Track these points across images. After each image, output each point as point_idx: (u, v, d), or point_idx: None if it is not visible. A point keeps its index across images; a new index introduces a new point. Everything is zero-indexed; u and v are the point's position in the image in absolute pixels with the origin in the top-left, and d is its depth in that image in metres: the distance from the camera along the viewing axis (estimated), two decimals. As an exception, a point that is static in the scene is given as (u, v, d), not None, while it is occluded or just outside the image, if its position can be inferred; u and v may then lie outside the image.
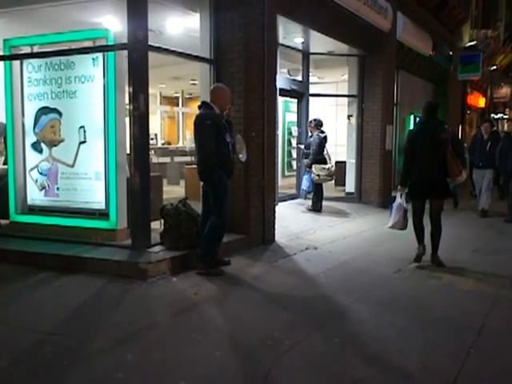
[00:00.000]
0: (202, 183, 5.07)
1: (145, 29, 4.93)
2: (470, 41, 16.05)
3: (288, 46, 8.95)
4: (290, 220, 7.87)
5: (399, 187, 5.57)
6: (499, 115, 21.86)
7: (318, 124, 8.60)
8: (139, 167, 5.08)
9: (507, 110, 24.66)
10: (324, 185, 8.76)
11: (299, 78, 9.89)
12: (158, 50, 5.40)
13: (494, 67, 18.38)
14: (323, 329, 3.68)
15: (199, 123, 4.86)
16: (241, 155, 5.04)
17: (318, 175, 8.38)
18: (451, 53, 14.25)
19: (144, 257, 4.95)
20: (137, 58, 4.92)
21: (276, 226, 6.60)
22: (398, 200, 5.54)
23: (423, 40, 11.77)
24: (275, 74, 6.51)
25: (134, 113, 4.96)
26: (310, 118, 9.24)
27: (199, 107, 5.03)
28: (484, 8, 20.64)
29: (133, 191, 5.16)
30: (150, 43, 5.08)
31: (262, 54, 6.04)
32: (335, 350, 3.33)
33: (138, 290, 4.48)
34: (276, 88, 6.58)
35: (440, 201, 5.44)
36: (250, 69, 5.91)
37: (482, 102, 19.11)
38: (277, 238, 6.52)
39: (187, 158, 11.18)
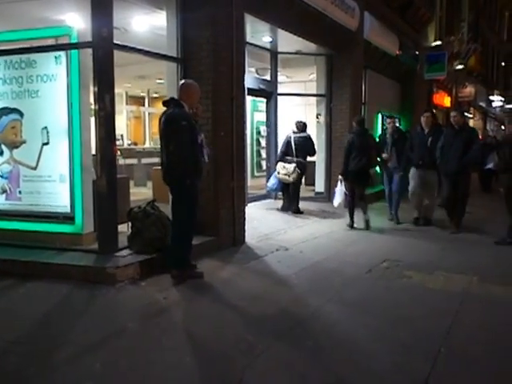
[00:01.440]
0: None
1: (110, 26, 4.85)
2: (436, 41, 16.40)
3: (256, 45, 8.97)
4: (261, 221, 7.89)
5: (340, 176, 7.75)
6: (464, 114, 22.43)
7: (296, 126, 8.88)
8: (105, 169, 5.00)
9: (472, 109, 25.35)
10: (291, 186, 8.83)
11: (267, 77, 9.92)
12: (124, 48, 5.32)
13: (461, 66, 18.82)
14: (296, 331, 3.70)
15: (173, 123, 4.56)
16: (206, 156, 4.98)
17: (278, 172, 8.72)
18: (417, 52, 14.53)
19: (112, 261, 4.87)
20: (102, 57, 4.84)
21: (246, 227, 6.61)
22: (339, 186, 7.74)
23: (390, 39, 11.97)
24: (244, 73, 6.51)
25: (100, 113, 4.88)
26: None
27: (165, 104, 4.77)
28: (448, 9, 21.15)
29: (99, 194, 5.06)
30: (115, 41, 4.99)
31: (230, 52, 6.04)
32: (308, 353, 3.35)
33: (106, 295, 4.40)
34: (244, 87, 6.58)
35: (364, 185, 7.70)
36: (218, 68, 5.90)
37: (447, 102, 19.56)
38: (247, 239, 6.52)
39: (155, 159, 11.04)
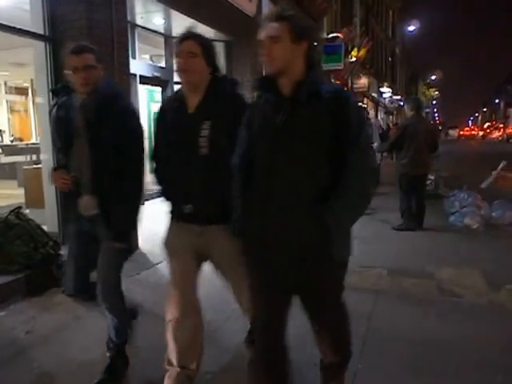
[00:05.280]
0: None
1: None
2: (332, 32, 16.32)
3: (148, 29, 7.97)
4: (159, 220, 6.93)
5: None
6: (359, 104, 22.95)
7: None
8: None
9: (366, 99, 26.05)
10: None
11: (163, 64, 8.93)
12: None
13: (354, 59, 19.05)
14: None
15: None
16: None
17: None
18: (315, 43, 14.23)
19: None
20: None
21: (140, 229, 5.65)
22: None
23: (289, 28, 11.44)
24: (128, 55, 5.50)
25: None
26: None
27: (55, 92, 3.83)
28: (342, 3, 21.33)
29: None
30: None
31: (110, 31, 5.03)
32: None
33: None
34: (129, 71, 5.58)
35: None
36: (95, 49, 4.86)
37: (344, 92, 19.75)
38: (141, 243, 5.56)
39: (46, 156, 9.61)
